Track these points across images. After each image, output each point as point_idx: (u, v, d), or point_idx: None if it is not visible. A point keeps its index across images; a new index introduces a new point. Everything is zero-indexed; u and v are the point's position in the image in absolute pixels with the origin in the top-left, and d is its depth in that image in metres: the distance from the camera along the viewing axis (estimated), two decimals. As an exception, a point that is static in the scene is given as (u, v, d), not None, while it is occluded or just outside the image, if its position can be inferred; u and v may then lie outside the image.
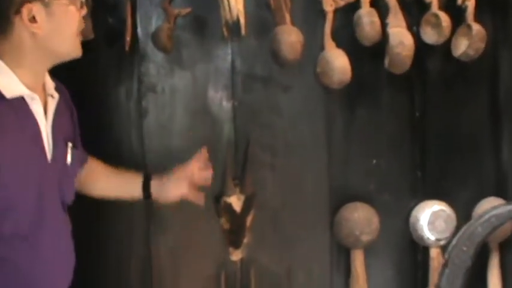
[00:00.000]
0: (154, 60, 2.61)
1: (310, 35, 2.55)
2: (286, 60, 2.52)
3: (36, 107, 1.92)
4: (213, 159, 2.59)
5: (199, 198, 2.35)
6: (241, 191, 2.62)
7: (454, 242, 2.48)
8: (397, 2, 2.54)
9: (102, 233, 2.67)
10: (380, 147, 2.73)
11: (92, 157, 2.32)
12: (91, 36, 2.43)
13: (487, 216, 2.47)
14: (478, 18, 2.59)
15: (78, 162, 2.15)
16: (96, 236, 2.63)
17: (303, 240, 2.72)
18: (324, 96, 2.66)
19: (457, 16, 2.59)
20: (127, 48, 2.53)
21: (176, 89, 2.63)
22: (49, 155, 1.95)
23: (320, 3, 2.55)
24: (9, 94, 1.85)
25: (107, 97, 2.63)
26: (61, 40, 1.94)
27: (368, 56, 2.62)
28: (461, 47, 2.60)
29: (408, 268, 2.78)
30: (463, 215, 2.70)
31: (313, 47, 2.56)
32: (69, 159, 2.04)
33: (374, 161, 2.72)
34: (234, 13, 2.43)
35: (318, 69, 2.57)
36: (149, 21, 2.59)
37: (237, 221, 2.63)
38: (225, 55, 2.63)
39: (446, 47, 2.62)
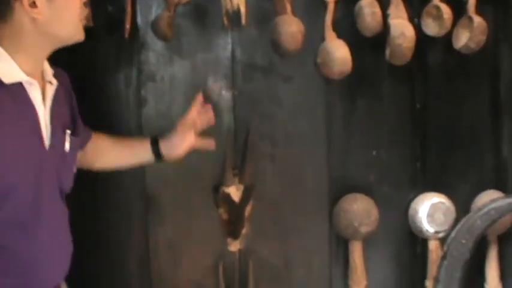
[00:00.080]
0: (154, 49, 2.60)
1: (311, 25, 2.54)
2: (286, 51, 2.50)
3: (34, 93, 1.91)
4: (212, 150, 2.60)
5: (209, 144, 2.44)
6: (240, 181, 2.63)
7: (453, 234, 2.48)
8: (399, -7, 2.54)
9: (100, 224, 2.66)
10: (380, 138, 2.72)
11: (97, 132, 2.34)
12: (90, 24, 2.41)
13: (486, 209, 2.47)
14: (479, 10, 2.57)
15: (77, 149, 2.14)
16: (93, 226, 2.62)
17: (302, 231, 2.71)
18: (324, 87, 2.65)
19: (458, 8, 2.57)
20: (126, 36, 2.51)
21: (176, 78, 2.61)
22: (47, 142, 1.93)
23: (321, -6, 2.56)
24: (7, 80, 1.84)
25: (106, 86, 2.61)
26: (62, 25, 1.92)
27: (369, 47, 2.61)
28: (463, 39, 2.58)
29: (407, 260, 2.78)
30: (462, 207, 2.70)
31: (313, 38, 2.54)
32: (67, 146, 2.02)
33: (374, 153, 2.71)
34: (235, 2, 2.43)
35: (319, 60, 2.56)
36: (149, 10, 2.57)
37: (235, 212, 2.63)
38: (225, 44, 2.62)
39: (447, 39, 2.60)
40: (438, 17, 2.55)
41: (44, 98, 1.95)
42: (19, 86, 1.88)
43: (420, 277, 2.74)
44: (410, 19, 2.55)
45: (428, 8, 2.58)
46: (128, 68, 2.61)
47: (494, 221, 2.52)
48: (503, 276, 2.76)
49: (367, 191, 2.70)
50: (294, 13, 2.51)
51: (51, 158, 1.95)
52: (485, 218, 2.49)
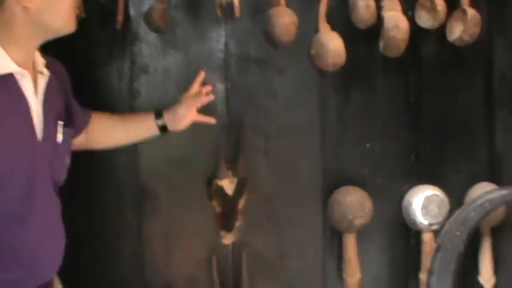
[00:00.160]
0: (147, 41, 2.59)
1: (305, 17, 2.53)
2: (280, 42, 2.49)
3: (26, 84, 1.89)
4: (206, 142, 2.59)
5: (209, 119, 2.47)
6: (234, 174, 2.62)
7: (447, 226, 2.49)
8: (393, -15, 2.54)
9: (94, 217, 2.64)
10: (374, 131, 2.72)
11: (97, 112, 2.34)
12: (81, 15, 2.40)
13: (480, 201, 2.48)
14: (473, 3, 2.57)
15: (70, 140, 2.12)
16: (87, 220, 2.61)
17: (296, 223, 2.71)
18: (318, 79, 2.64)
19: (452, 1, 2.57)
20: (119, 28, 2.50)
21: (169, 70, 2.61)
22: (39, 134, 1.92)
23: (315, -15, 2.55)
24: (-2, 71, 1.84)
25: (99, 78, 2.60)
26: (53, 14, 1.91)
27: (363, 39, 2.60)
28: (456, 31, 2.58)
29: (401, 252, 2.77)
30: (456, 199, 2.70)
31: (307, 29, 2.54)
32: (60, 138, 2.01)
33: (368, 145, 2.71)
34: (228, -6, 2.42)
35: (312, 52, 2.55)
36: (141, 1, 2.56)
37: (229, 205, 2.63)
38: (218, 36, 2.61)
39: (441, 31, 2.61)
40: (432, 9, 2.55)
41: (35, 89, 1.94)
42: (10, 77, 1.86)
43: (414, 269, 2.73)
44: (404, 11, 2.55)
45: (422, 0, 2.58)
46: (121, 60, 2.60)
47: (488, 213, 2.52)
48: (496, 268, 2.77)
49: (361, 184, 2.69)
50: (288, 5, 2.49)
51: (43, 149, 1.94)
52: (479, 210, 2.49)
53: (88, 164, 2.44)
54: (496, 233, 2.76)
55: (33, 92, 1.92)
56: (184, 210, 2.67)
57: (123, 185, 2.65)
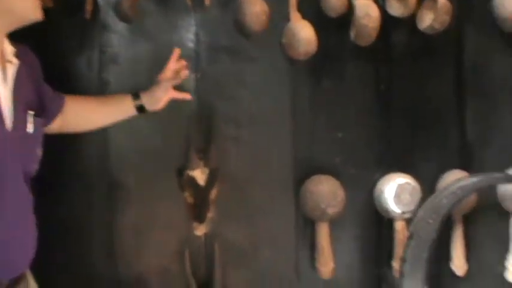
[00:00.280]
0: (116, 30, 2.56)
1: (276, 5, 2.52)
2: (251, 31, 2.49)
3: (-6, 73, 1.87)
4: (176, 132, 2.57)
5: (185, 95, 2.48)
6: (205, 165, 2.61)
7: (419, 214, 2.50)
8: (364, -27, 2.53)
9: (63, 210, 2.61)
10: (345, 119, 2.72)
11: (72, 96, 2.32)
12: (49, 4, 2.36)
13: (452, 188, 2.50)
14: (443, -9, 2.59)
15: (41, 130, 2.08)
16: (56, 212, 2.56)
17: (268, 213, 2.70)
18: (289, 67, 2.64)
19: (423, -11, 2.58)
20: (88, 17, 2.48)
21: (138, 60, 2.59)
22: (9, 123, 1.89)
23: (286, -27, 2.54)
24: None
25: (68, 68, 2.57)
26: (19, 2, 1.88)
27: (334, 27, 2.60)
28: (427, 20, 2.59)
29: (373, 241, 2.78)
30: (428, 187, 2.71)
31: (278, 18, 2.53)
32: (30, 128, 1.98)
33: (339, 134, 2.71)
34: (198, -18, 2.41)
35: (284, 41, 2.55)
36: (111, -10, 2.54)
37: (201, 195, 2.61)
38: (188, 26, 2.59)
39: (411, 20, 2.60)
40: (403, -3, 2.57)
41: (4, 78, 1.91)
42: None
43: (387, 257, 2.74)
44: (375, 0, 2.54)
45: (393, -12, 2.59)
46: (90, 50, 2.58)
47: (459, 200, 2.54)
48: (468, 255, 2.79)
49: (333, 172, 2.69)
50: (259, -7, 2.49)
51: (13, 139, 1.91)
52: (451, 197, 2.51)
53: (56, 156, 2.40)
54: (468, 220, 2.78)
55: (2, 81, 1.89)
56: (155, 202, 2.64)
57: (93, 177, 2.63)
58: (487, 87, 2.80)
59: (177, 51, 2.43)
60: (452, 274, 2.79)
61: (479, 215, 2.80)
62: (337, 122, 2.71)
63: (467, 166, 2.77)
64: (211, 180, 2.60)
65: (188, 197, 2.61)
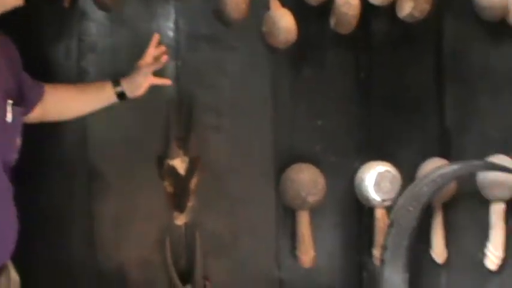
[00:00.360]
0: (95, 19, 2.54)
1: (255, -7, 2.52)
2: (231, 20, 2.47)
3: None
4: (156, 121, 2.56)
5: (165, 81, 2.49)
6: (185, 153, 2.59)
7: (400, 201, 2.53)
8: (344, -39, 2.53)
9: (42, 200, 2.58)
10: (325, 108, 2.72)
11: (52, 84, 2.30)
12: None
13: (432, 176, 2.52)
14: (423, -21, 2.59)
15: (21, 120, 2.06)
16: (35, 203, 2.53)
17: (248, 202, 2.70)
18: (270, 56, 2.63)
19: (402, -23, 2.58)
20: (66, 5, 2.45)
21: (117, 49, 2.56)
22: (-13, 113, 1.87)
23: (265, -39, 2.53)
24: None
25: (45, 57, 2.54)
26: None
27: (314, 15, 2.60)
28: (406, 8, 2.58)
29: (354, 229, 2.79)
30: (408, 175, 2.72)
31: (258, 6, 2.51)
32: (9, 117, 1.95)
33: (319, 122, 2.71)
34: (177, -30, 2.40)
35: (264, 29, 2.54)
36: (89, -22, 2.52)
37: (181, 184, 2.60)
38: (168, 14, 2.58)
39: (391, 8, 2.60)
40: (382, -15, 2.56)
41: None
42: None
43: (367, 245, 2.76)
44: (355, -12, 2.55)
45: (373, -24, 2.59)
46: (68, 38, 2.55)
47: (440, 188, 2.57)
48: (448, 243, 2.80)
49: (313, 161, 2.69)
50: (238, -19, 2.48)
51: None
52: (431, 185, 2.53)
53: (35, 145, 2.37)
54: (448, 208, 2.80)
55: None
56: (135, 191, 2.63)
57: (72, 166, 2.60)
58: (466, 75, 2.82)
59: (156, 37, 2.42)
60: (432, 261, 2.81)
61: (459, 203, 2.82)
62: (317, 110, 2.71)
63: (447, 154, 2.79)
64: (191, 169, 2.59)
65: (168, 186, 2.60)
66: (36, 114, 2.22)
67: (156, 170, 2.60)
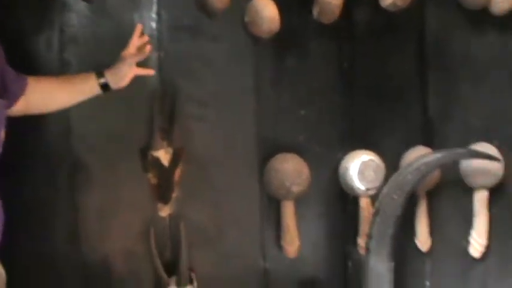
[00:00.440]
0: (77, 10, 2.51)
1: (238, -17, 2.51)
2: (213, 10, 2.47)
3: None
4: (139, 112, 2.55)
5: (148, 71, 2.47)
6: (169, 144, 2.58)
7: (384, 190, 2.53)
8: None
9: (26, 193, 2.56)
10: (309, 97, 2.72)
11: (35, 77, 2.28)
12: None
13: (416, 165, 2.53)
14: (405, -33, 2.59)
15: (3, 112, 2.06)
16: (19, 195, 2.51)
17: (233, 192, 2.70)
18: (252, 46, 2.63)
19: (385, -34, 2.59)
20: (47, -5, 2.44)
21: (99, 40, 2.54)
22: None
23: (248, -50, 2.52)
24: None
25: (27, 48, 2.51)
26: None
27: (297, 5, 2.60)
28: (389, -3, 2.60)
29: (338, 218, 2.80)
30: (391, 164, 2.73)
31: (241, -4, 2.52)
32: (-10, 110, 1.94)
33: (302, 112, 2.71)
34: (159, -40, 2.39)
35: (247, 19, 2.54)
36: (70, -32, 2.50)
37: (165, 176, 2.59)
38: (150, 4, 2.56)
39: (374, -3, 2.63)
40: (365, -26, 2.57)
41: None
42: None
43: (352, 234, 2.76)
44: (338, -23, 2.55)
45: (356, -35, 2.59)
46: (49, 30, 2.52)
47: (424, 176, 2.58)
48: (432, 231, 2.82)
49: (297, 151, 2.70)
50: (220, -29, 2.47)
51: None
52: (415, 173, 2.54)
53: (18, 138, 2.35)
54: (431, 196, 2.81)
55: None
56: (119, 183, 2.62)
57: (56, 158, 2.58)
58: (448, 64, 2.83)
59: (139, 27, 2.41)
60: (416, 250, 2.83)
61: (443, 191, 2.84)
62: (300, 99, 2.72)
63: (430, 142, 2.80)
64: (175, 160, 2.58)
65: (152, 177, 2.59)
66: (20, 107, 2.21)
67: (140, 161, 2.59)
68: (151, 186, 2.61)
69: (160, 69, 2.57)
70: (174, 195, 2.61)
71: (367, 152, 2.71)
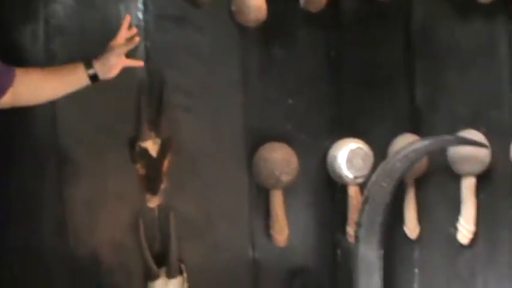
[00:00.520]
0: (62, 1, 2.49)
1: (224, -28, 2.51)
2: (199, 0, 2.46)
3: None
4: (126, 103, 2.53)
5: (137, 62, 2.48)
6: (157, 135, 2.57)
7: (373, 178, 2.54)
8: None
9: (13, 186, 2.54)
10: (296, 86, 2.72)
11: (23, 69, 2.25)
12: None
13: (405, 152, 2.53)
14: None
15: None
16: (5, 188, 2.51)
17: (221, 183, 2.70)
18: (239, 35, 2.62)
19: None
20: (32, -13, 2.41)
21: (85, 31, 2.52)
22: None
23: None
24: None
25: (12, 40, 2.48)
26: None
27: (284, -7, 2.61)
28: (376, -15, 2.61)
29: (327, 207, 2.80)
30: (380, 152, 2.74)
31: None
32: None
33: (290, 101, 2.71)
34: (144, -50, 2.37)
35: (233, 8, 2.53)
36: (55, -42, 2.48)
37: (153, 166, 2.58)
38: (136, -6, 2.56)
39: (361, -15, 2.63)
40: (352, -38, 2.57)
41: None
42: None
43: (341, 223, 2.77)
44: (325, -35, 2.55)
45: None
46: (35, 21, 2.49)
47: (412, 163, 2.58)
48: (420, 218, 2.83)
49: (285, 140, 2.70)
50: (206, -39, 2.46)
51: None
52: (404, 160, 2.54)
53: (4, 130, 2.34)
54: (420, 183, 2.82)
55: None
56: (107, 175, 2.60)
57: (42, 151, 2.56)
58: (435, 52, 2.84)
59: (127, 19, 2.41)
60: (405, 237, 2.84)
61: (431, 179, 2.86)
62: (288, 88, 2.71)
63: (417, 130, 2.81)
64: (163, 151, 2.57)
65: (140, 168, 2.58)
66: (8, 99, 2.19)
67: (128, 152, 2.58)
68: (140, 177, 2.60)
69: (147, 60, 2.55)
70: (162, 186, 2.61)
71: (355, 140, 2.72)
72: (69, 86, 2.35)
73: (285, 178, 2.64)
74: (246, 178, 2.71)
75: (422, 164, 2.76)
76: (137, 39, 2.41)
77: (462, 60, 2.86)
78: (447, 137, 2.70)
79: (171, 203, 2.64)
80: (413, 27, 2.79)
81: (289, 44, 2.68)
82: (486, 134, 2.83)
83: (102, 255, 2.63)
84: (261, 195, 2.72)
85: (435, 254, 2.92)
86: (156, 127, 2.57)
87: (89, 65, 2.33)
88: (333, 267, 2.84)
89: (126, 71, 2.41)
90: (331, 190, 2.79)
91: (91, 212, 2.61)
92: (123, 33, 2.39)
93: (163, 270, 2.62)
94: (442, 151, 2.80)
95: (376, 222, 2.50)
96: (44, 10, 2.49)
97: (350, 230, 2.72)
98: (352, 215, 2.69)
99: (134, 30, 2.41)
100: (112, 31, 2.42)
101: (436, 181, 2.85)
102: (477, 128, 2.83)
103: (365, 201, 2.51)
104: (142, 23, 2.54)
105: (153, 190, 2.60)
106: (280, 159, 2.64)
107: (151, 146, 2.56)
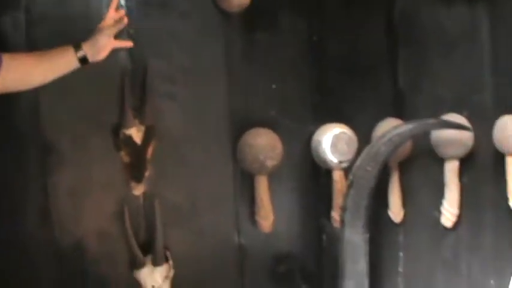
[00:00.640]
0: (42, -12, 2.49)
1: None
2: (182, -15, 2.47)
3: None
4: (109, 90, 2.52)
5: (127, 43, 2.50)
6: (141, 122, 2.56)
7: (358, 162, 2.55)
8: None
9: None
10: (279, 72, 2.73)
11: (10, 54, 2.20)
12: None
13: (389, 136, 2.55)
14: None
15: None
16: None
17: (206, 169, 2.69)
18: (222, 21, 2.62)
19: None
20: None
21: (68, 19, 2.50)
22: None
23: None
24: None
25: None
26: None
27: (266, -22, 2.60)
28: (358, -30, 2.61)
29: (312, 192, 2.81)
30: (363, 137, 2.75)
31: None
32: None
33: (274, 86, 2.71)
34: None
35: (216, -6, 2.53)
36: None
37: (137, 154, 2.57)
38: (118, -19, 2.54)
39: (342, -31, 2.63)
40: None
41: None
42: None
43: (325, 208, 2.78)
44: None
45: None
46: (15, 9, 2.47)
47: (396, 147, 2.60)
48: (404, 201, 2.85)
49: (269, 125, 2.70)
50: None
51: None
52: (388, 144, 2.56)
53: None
54: (403, 167, 2.84)
55: None
56: (90, 163, 2.59)
57: (24, 140, 2.54)
58: (418, 37, 2.86)
59: (115, 0, 2.41)
60: (389, 221, 2.86)
61: (414, 163, 2.87)
62: (271, 74, 2.71)
63: (401, 114, 2.82)
64: (147, 138, 2.56)
65: (124, 156, 2.57)
66: None
67: (112, 140, 2.57)
68: (124, 164, 2.59)
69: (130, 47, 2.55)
70: (147, 173, 2.60)
71: (339, 125, 2.72)
72: (59, 70, 2.32)
73: (270, 163, 2.65)
74: (230, 164, 2.71)
75: (406, 148, 2.77)
76: (125, 20, 2.41)
77: (445, 44, 2.87)
78: (431, 121, 2.71)
79: (156, 190, 2.64)
80: (396, 11, 2.79)
81: (272, 29, 2.68)
82: (469, 118, 2.84)
83: (87, 244, 2.62)
84: (246, 181, 2.72)
85: (419, 237, 2.93)
86: (140, 114, 2.56)
87: (78, 47, 2.31)
88: (319, 252, 2.85)
89: (108, 58, 2.39)
90: (315, 175, 2.79)
91: (75, 201, 2.59)
92: (111, 15, 2.38)
93: (149, 258, 2.62)
94: (426, 135, 2.82)
95: (361, 206, 2.51)
96: (25, -3, 2.49)
97: (335, 214, 2.73)
98: (337, 199, 2.70)
99: (122, 12, 2.41)
100: (94, 19, 2.42)
101: (420, 165, 2.87)
102: (460, 112, 2.84)
103: (350, 186, 2.52)
104: (125, 10, 2.51)
105: (138, 178, 2.59)
106: (264, 144, 2.64)
107: (136, 133, 2.55)
